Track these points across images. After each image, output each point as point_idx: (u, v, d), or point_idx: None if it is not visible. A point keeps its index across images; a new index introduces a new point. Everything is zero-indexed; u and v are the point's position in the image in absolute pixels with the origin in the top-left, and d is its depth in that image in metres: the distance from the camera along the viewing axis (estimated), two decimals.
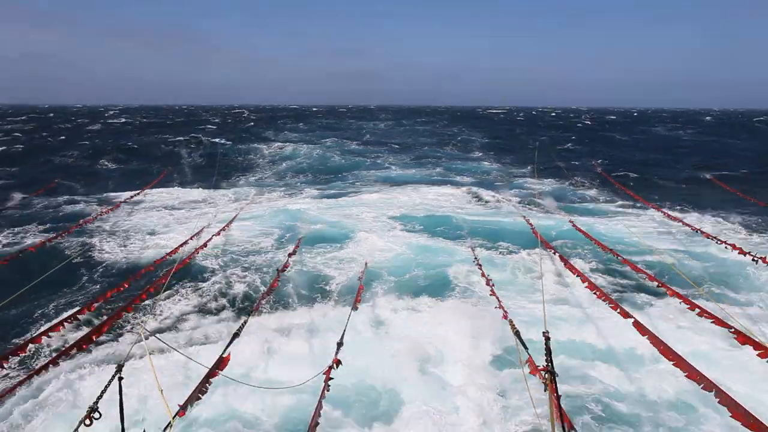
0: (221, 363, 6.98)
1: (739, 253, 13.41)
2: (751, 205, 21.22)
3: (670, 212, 19.54)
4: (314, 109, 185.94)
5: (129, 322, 10.17)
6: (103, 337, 9.46)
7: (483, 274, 12.09)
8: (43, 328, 9.76)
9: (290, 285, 12.26)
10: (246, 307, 10.97)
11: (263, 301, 9.51)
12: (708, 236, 15.35)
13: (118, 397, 4.11)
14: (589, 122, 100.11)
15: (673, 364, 7.83)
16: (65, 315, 10.25)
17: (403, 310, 10.64)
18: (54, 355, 8.77)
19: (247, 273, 13.26)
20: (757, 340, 8.37)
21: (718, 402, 6.71)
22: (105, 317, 10.20)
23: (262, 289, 11.87)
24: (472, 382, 7.79)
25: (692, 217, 18.90)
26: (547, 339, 4.22)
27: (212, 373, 6.57)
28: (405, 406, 7.24)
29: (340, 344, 7.32)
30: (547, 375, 3.90)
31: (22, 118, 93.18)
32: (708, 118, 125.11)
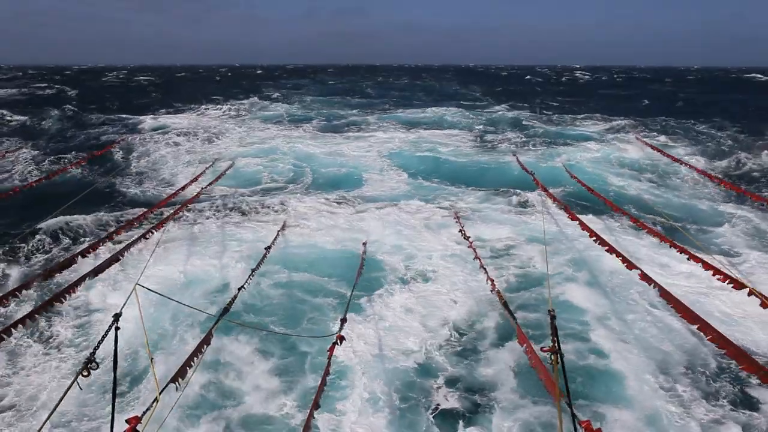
0: (207, 340, 6.65)
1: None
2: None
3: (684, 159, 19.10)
4: (315, 68, 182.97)
5: (124, 270, 9.45)
6: (97, 284, 8.88)
7: (467, 238, 10.84)
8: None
9: (281, 250, 10.63)
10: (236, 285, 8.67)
11: (251, 279, 8.32)
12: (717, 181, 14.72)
13: (113, 348, 3.94)
14: (589, 77, 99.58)
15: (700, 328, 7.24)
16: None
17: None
18: (50, 296, 8.28)
19: (245, 218, 12.82)
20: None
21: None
22: (98, 264, 9.50)
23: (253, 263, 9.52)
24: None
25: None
26: (553, 317, 4.02)
27: (200, 348, 6.43)
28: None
29: (343, 320, 7.11)
30: (553, 356, 3.76)
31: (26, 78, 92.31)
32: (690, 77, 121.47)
